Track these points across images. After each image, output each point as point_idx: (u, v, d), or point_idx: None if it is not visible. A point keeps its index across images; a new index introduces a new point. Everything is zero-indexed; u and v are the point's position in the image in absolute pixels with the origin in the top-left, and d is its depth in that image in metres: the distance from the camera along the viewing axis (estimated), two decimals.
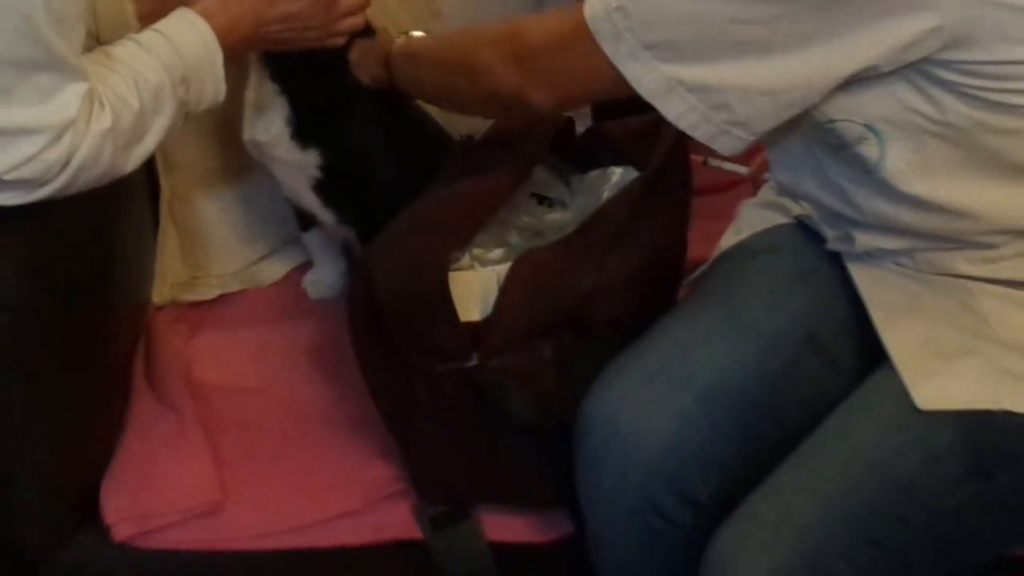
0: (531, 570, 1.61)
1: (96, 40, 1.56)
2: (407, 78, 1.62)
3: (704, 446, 1.43)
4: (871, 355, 1.45)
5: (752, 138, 1.36)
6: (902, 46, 1.26)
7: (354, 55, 1.69)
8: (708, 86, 1.32)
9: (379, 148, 1.74)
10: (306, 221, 1.85)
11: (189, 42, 1.51)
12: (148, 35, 1.51)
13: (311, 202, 1.77)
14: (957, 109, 1.31)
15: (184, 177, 1.87)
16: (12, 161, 1.33)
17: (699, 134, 1.36)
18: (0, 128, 1.32)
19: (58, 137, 1.34)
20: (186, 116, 1.53)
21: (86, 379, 1.57)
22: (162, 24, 1.53)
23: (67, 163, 1.36)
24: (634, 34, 1.32)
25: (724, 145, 1.36)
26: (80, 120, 1.35)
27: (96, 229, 1.58)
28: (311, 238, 1.88)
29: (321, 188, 1.75)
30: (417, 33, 1.66)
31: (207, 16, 1.54)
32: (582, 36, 1.35)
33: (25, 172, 1.34)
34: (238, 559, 1.56)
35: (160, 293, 1.86)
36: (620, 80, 1.35)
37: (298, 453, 1.63)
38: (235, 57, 1.59)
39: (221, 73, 1.54)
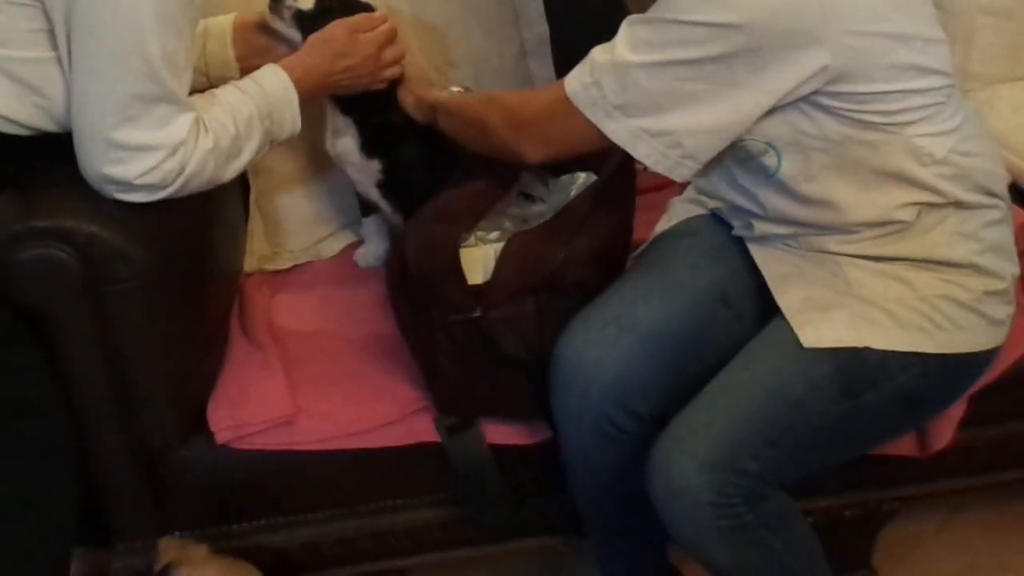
0: (520, 465, 1.59)
1: (205, 76, 1.59)
2: (443, 124, 1.61)
3: (645, 375, 1.44)
4: (767, 310, 1.44)
5: (698, 167, 1.36)
6: (802, 80, 1.28)
7: (407, 98, 1.68)
8: (665, 131, 1.32)
9: (419, 158, 1.73)
10: (367, 209, 1.84)
11: (273, 87, 1.52)
12: (244, 81, 1.53)
13: (375, 195, 1.77)
14: (833, 127, 1.33)
15: (267, 180, 1.86)
16: (140, 170, 1.34)
17: (660, 168, 1.36)
18: (130, 145, 1.32)
19: (173, 152, 1.35)
20: (271, 142, 1.54)
21: (197, 326, 1.57)
22: (255, 74, 1.55)
23: (180, 173, 1.37)
24: (606, 100, 1.33)
25: (678, 174, 1.37)
26: (189, 140, 1.37)
27: (204, 218, 1.57)
28: (369, 222, 1.86)
29: (382, 186, 1.75)
30: (455, 89, 1.65)
31: (287, 69, 1.55)
32: (566, 106, 1.36)
33: (149, 179, 1.35)
34: (306, 457, 1.55)
35: (249, 263, 1.84)
36: (599, 134, 1.35)
37: (349, 379, 1.61)
38: (310, 98, 1.60)
39: (297, 110, 1.55)
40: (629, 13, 1.35)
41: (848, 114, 1.31)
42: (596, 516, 1.56)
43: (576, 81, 1.36)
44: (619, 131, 1.34)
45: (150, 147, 1.33)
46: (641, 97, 1.31)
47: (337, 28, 1.60)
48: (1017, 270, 1.45)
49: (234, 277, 1.78)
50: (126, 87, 1.30)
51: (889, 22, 1.29)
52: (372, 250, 1.87)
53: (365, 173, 1.75)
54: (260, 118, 1.48)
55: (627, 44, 1.31)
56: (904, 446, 1.56)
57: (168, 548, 1.48)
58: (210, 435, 1.53)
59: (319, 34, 1.60)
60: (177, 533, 1.53)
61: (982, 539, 1.89)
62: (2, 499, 1.39)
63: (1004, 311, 1.43)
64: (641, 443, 1.43)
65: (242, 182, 1.81)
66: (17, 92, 1.32)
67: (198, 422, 1.55)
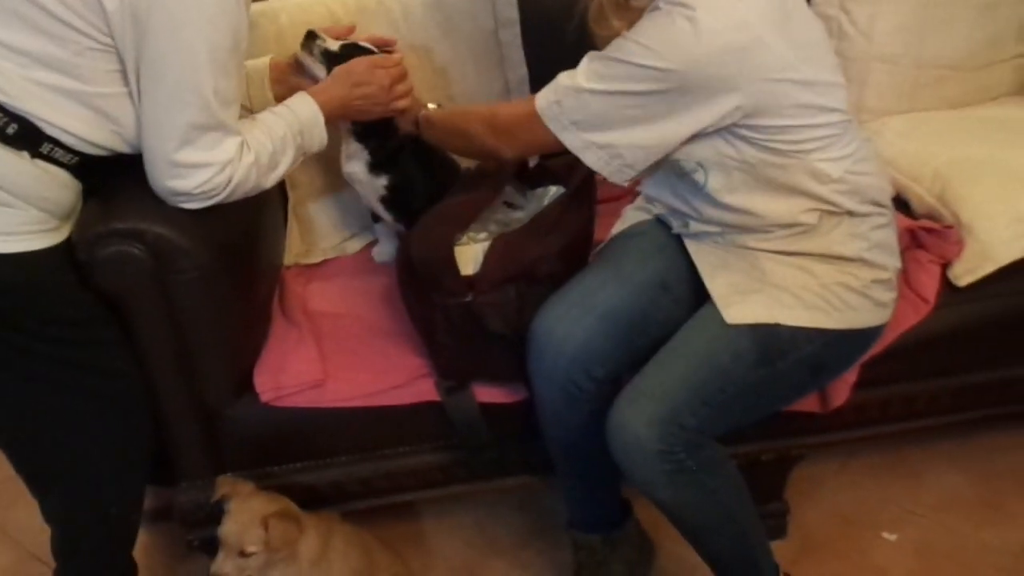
0: (503, 419, 1.57)
1: (250, 112, 1.56)
2: (428, 134, 1.59)
3: (602, 347, 1.43)
4: (699, 294, 1.43)
5: (635, 174, 1.37)
6: (720, 116, 1.28)
7: (403, 123, 1.65)
8: (609, 144, 1.33)
9: (417, 178, 1.70)
10: (376, 217, 1.82)
11: (303, 110, 1.50)
12: (279, 108, 1.50)
13: (380, 208, 1.74)
14: (750, 152, 1.33)
15: (302, 193, 1.84)
16: (196, 183, 1.33)
17: (604, 173, 1.36)
18: (188, 163, 1.31)
19: (223, 169, 1.33)
20: (304, 155, 1.51)
21: (245, 308, 1.55)
22: (287, 101, 1.52)
23: (228, 183, 1.35)
24: (565, 116, 1.34)
25: (618, 179, 1.37)
26: (235, 158, 1.35)
27: (251, 222, 1.56)
28: (379, 227, 1.84)
29: (385, 200, 1.72)
30: (432, 106, 1.63)
31: (313, 95, 1.52)
32: (534, 117, 1.36)
33: (204, 189, 1.34)
34: (332, 413, 1.54)
35: (288, 259, 1.82)
36: (558, 142, 1.35)
37: (368, 350, 1.60)
38: (333, 120, 1.56)
39: (324, 130, 1.52)
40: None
41: (761, 142, 1.31)
42: (563, 459, 1.55)
43: (543, 99, 1.36)
44: (573, 142, 1.34)
45: (204, 164, 1.31)
46: (591, 116, 1.32)
47: (360, 63, 1.57)
48: (899, 264, 1.44)
49: (276, 270, 1.77)
50: (185, 117, 1.28)
51: (797, 71, 1.28)
52: (385, 248, 1.85)
53: (370, 189, 1.72)
54: (292, 136, 1.46)
55: (585, 74, 1.32)
56: (809, 403, 1.56)
57: (222, 484, 1.47)
58: (256, 395, 1.52)
59: (343, 66, 1.57)
60: (229, 473, 1.52)
61: (870, 478, 1.89)
62: (92, 447, 1.40)
63: (888, 296, 1.43)
64: (599, 400, 1.42)
65: (282, 194, 1.80)
66: (97, 120, 1.30)
67: (246, 385, 1.53)
